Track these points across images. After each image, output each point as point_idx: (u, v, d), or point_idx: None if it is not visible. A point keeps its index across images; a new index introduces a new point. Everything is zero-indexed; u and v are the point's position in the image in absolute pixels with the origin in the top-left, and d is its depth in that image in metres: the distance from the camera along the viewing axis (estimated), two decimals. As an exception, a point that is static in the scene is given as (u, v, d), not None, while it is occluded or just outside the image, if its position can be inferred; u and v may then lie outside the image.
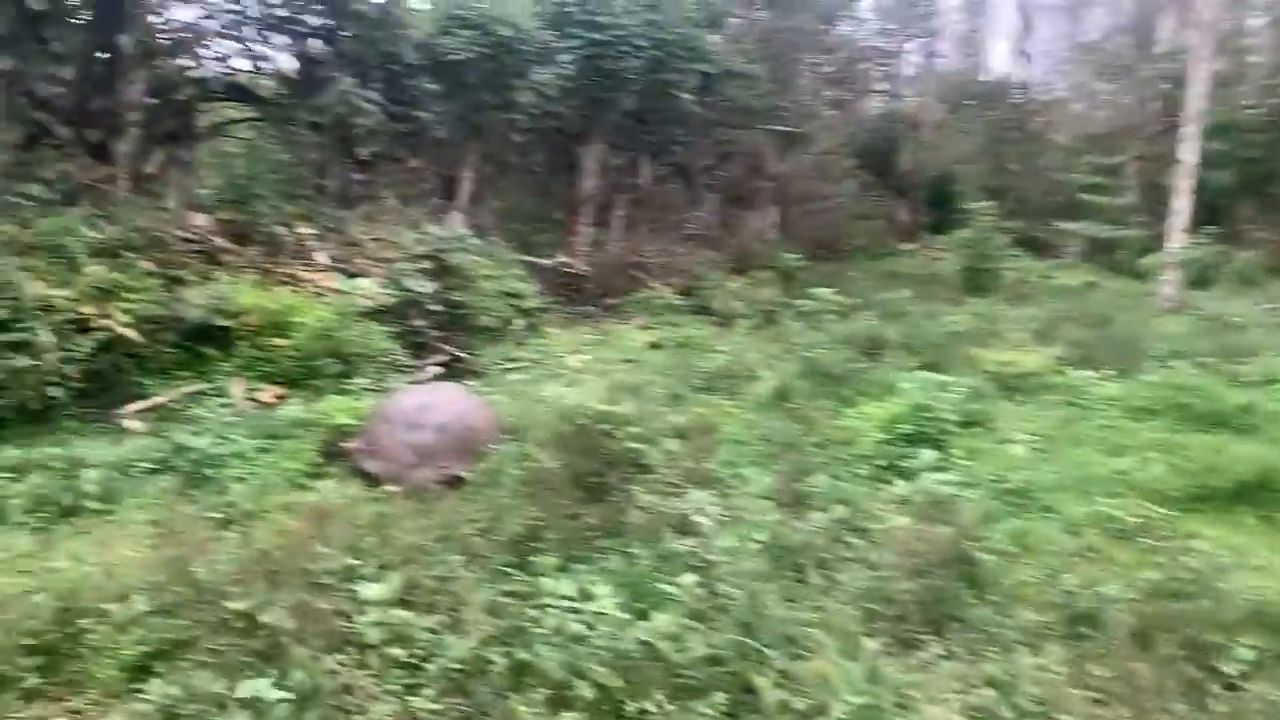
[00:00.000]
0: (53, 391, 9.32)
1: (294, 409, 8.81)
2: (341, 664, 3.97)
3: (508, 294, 15.82)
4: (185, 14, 14.02)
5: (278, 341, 11.17)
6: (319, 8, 15.31)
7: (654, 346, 15.40)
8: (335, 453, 7.95)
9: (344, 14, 14.76)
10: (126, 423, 9.59)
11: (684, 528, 5.73)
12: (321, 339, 11.04)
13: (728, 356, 11.92)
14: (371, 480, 7.47)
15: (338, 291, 11.74)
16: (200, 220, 12.69)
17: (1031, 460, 7.74)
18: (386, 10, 14.48)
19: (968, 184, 37.32)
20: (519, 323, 15.51)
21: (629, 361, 14.39)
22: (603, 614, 4.22)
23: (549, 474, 6.55)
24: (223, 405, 9.67)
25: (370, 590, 4.26)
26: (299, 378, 11.03)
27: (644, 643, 4.01)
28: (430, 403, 7.72)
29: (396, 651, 4.03)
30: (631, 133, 23.22)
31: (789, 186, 31.76)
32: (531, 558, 5.12)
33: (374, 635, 4.07)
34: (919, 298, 18.40)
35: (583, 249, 22.30)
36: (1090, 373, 10.92)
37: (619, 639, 4.03)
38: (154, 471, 7.80)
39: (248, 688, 3.70)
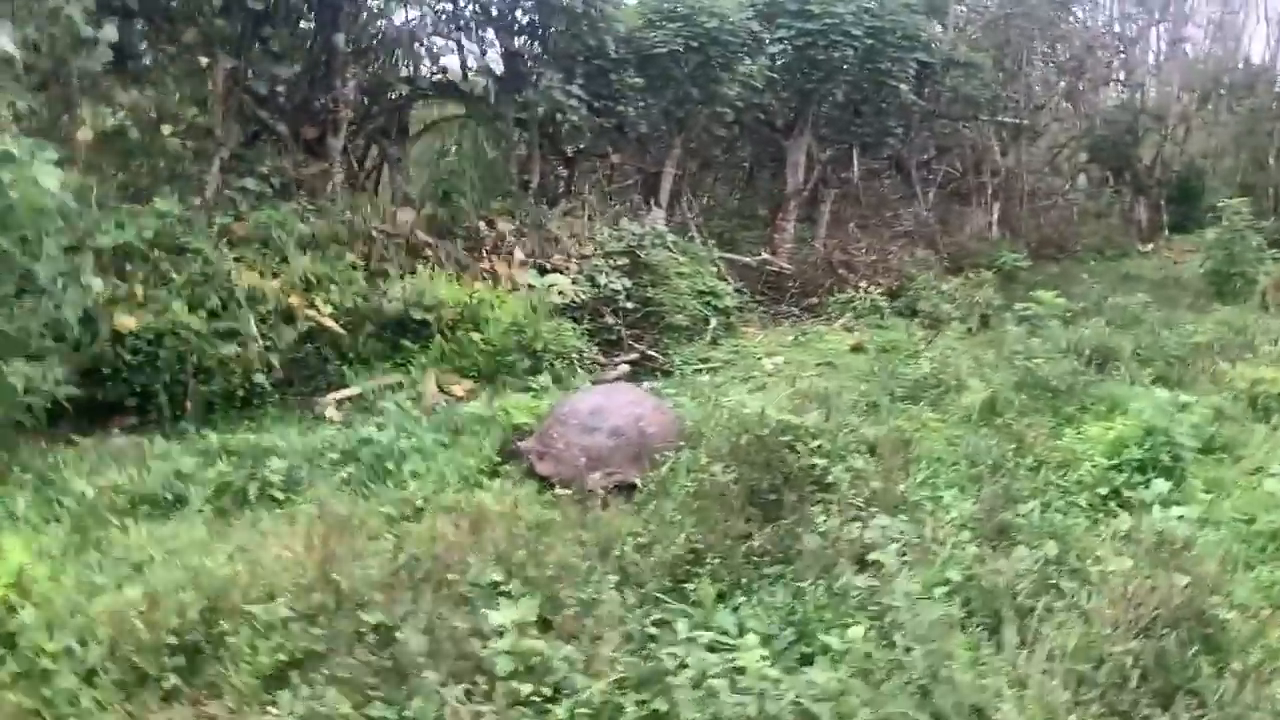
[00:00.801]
0: (257, 379, 9.66)
1: (478, 405, 8.72)
2: (468, 694, 3.66)
3: (704, 292, 15.44)
4: (399, 13, 14.33)
5: (473, 335, 11.23)
6: (527, 4, 15.39)
7: (856, 350, 14.59)
8: (513, 452, 7.78)
9: (550, 9, 14.75)
10: (326, 411, 9.83)
11: (865, 560, 5.12)
12: (513, 334, 11.00)
13: (934, 363, 11.02)
14: (544, 482, 7.25)
15: (531, 287, 11.67)
16: (406, 215, 12.94)
17: (1290, 498, 6.60)
18: (591, 3, 14.33)
19: (1218, 180, 34.03)
20: (714, 321, 15.10)
21: (827, 365, 13.69)
22: (757, 661, 3.71)
23: (721, 488, 6.08)
24: (410, 398, 9.75)
25: (503, 614, 3.94)
26: (491, 372, 11.05)
27: (798, 703, 3.48)
28: (605, 405, 7.42)
29: (524, 687, 3.68)
30: (842, 125, 22.32)
31: (1014, 182, 29.83)
32: (689, 584, 4.68)
33: (503, 665, 3.74)
34: (1157, 304, 16.68)
35: (787, 246, 21.59)
36: (1367, 396, 9.40)
37: (771, 695, 3.53)
38: (340, 462, 7.87)
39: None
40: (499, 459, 7.75)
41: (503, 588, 4.47)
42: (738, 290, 19.43)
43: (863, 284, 19.89)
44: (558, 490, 7.04)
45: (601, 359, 12.37)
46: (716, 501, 5.99)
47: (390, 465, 7.60)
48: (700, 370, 13.22)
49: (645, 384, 11.86)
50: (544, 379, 10.61)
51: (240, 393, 9.72)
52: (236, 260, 10.44)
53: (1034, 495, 6.61)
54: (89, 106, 10.04)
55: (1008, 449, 7.46)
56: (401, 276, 11.41)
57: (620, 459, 7.13)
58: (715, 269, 18.00)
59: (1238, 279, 18.16)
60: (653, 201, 17.88)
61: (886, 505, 6.04)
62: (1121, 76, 36.22)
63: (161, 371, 9.19)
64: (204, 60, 10.69)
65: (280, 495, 7.11)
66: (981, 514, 6.01)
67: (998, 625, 4.47)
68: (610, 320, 12.98)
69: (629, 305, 13.28)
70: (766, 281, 20.64)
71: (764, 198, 23.97)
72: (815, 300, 19.45)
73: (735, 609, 4.45)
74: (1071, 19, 31.78)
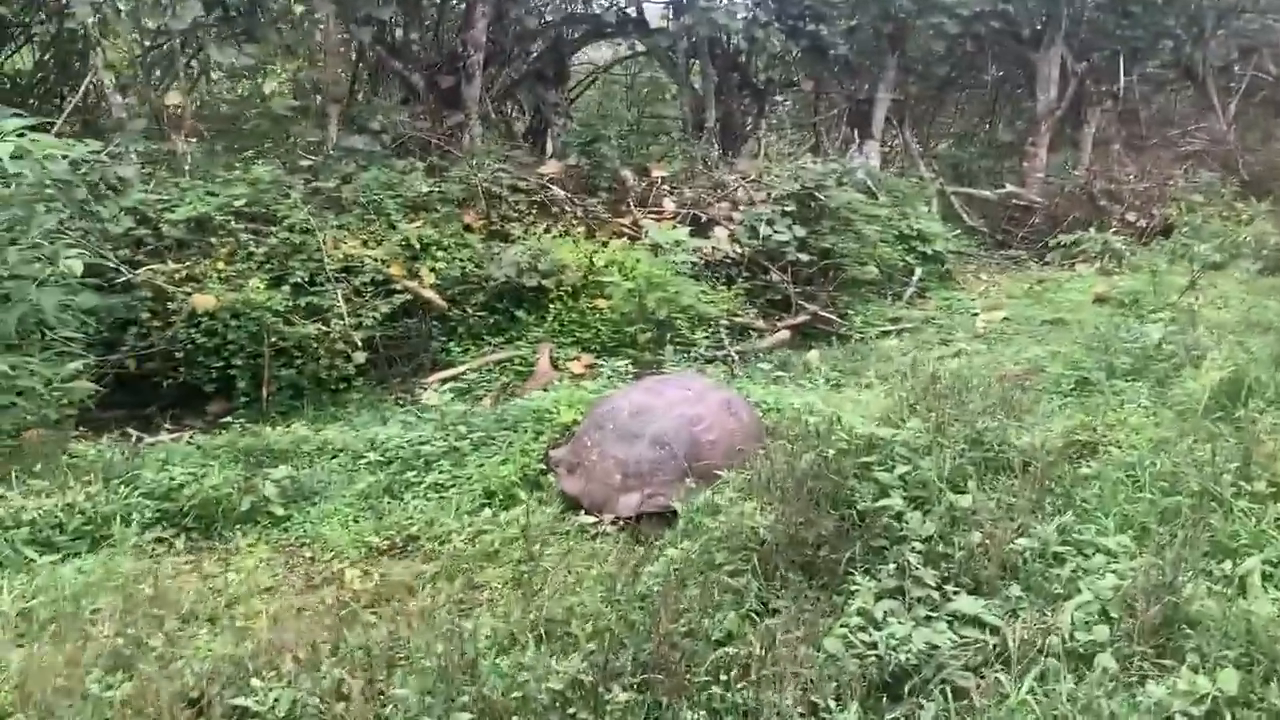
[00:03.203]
0: (342, 361, 8.72)
1: (538, 394, 7.29)
2: None
3: (907, 236, 13.15)
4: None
5: (598, 303, 9.82)
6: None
7: (1100, 301, 11.89)
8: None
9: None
10: (425, 395, 8.75)
11: (898, 687, 3.24)
12: (636, 299, 9.45)
13: (1175, 323, 8.38)
14: (574, 504, 5.72)
15: (657, 245, 10.02)
16: (551, 168, 11.65)
17: None
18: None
19: None
20: (919, 272, 12.83)
21: (1057, 322, 11.17)
22: None
23: (747, 539, 4.32)
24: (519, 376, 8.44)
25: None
26: (614, 345, 9.61)
27: None
28: (652, 404, 5.73)
29: None
30: (1105, 29, 18.73)
31: (1346, 82, 24.52)
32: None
33: None
34: None
35: (1038, 176, 18.54)
36: None
37: None
38: (377, 465, 6.72)
39: None
40: (543, 468, 6.29)
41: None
42: (972, 230, 16.95)
43: (1133, 216, 16.74)
44: (583, 517, 5.51)
45: (759, 324, 10.59)
46: (739, 558, 4.25)
47: (411, 475, 6.32)
48: (889, 332, 11.13)
49: (813, 352, 10.01)
50: (668, 352, 9.03)
51: (332, 375, 8.82)
52: (339, 228, 9.57)
53: (1247, 550, 4.33)
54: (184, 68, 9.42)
55: (1229, 466, 5.10)
56: (525, 238, 10.13)
57: (664, 476, 5.45)
58: (931, 208, 15.58)
59: None
60: (857, 134, 15.60)
61: (989, 574, 4.03)
62: None
63: (236, 355, 8.44)
64: (299, 9, 9.74)
65: (280, 512, 6.03)
66: (1134, 597, 3.85)
67: None
68: (775, 277, 11.11)
69: (802, 258, 11.31)
70: (1011, 219, 17.89)
71: (1011, 121, 20.78)
72: (1069, 238, 16.47)
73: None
74: None
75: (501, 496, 6.00)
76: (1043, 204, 17.76)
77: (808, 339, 10.95)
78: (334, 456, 7.02)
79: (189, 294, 8.39)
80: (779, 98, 16.95)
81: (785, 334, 10.32)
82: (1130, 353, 8.31)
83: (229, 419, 8.13)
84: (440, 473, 6.29)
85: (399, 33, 11.88)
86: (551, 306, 9.75)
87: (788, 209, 11.47)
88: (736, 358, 9.60)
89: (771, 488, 4.54)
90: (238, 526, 5.91)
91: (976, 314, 12.12)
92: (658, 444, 5.52)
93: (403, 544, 5.53)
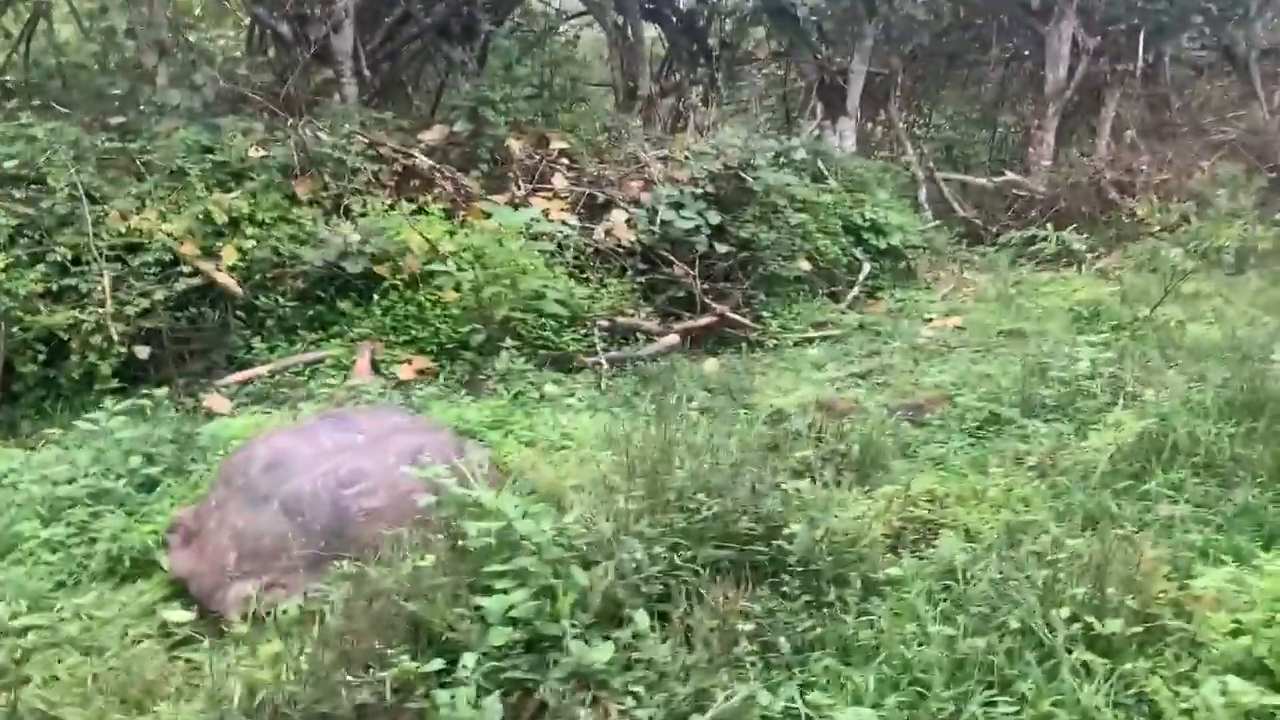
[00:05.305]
0: (96, 358, 7.19)
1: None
2: None
3: (859, 227, 11.36)
4: None
5: (447, 296, 8.20)
6: None
7: (1074, 311, 10.06)
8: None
9: None
10: (211, 401, 7.23)
11: None
12: (478, 293, 7.82)
13: (1113, 348, 6.62)
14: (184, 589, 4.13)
15: (526, 225, 8.36)
16: (433, 134, 10.06)
17: None
18: None
19: None
20: (867, 268, 11.04)
21: (1012, 334, 9.38)
22: None
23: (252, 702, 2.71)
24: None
25: None
26: (456, 347, 8.02)
27: None
28: (295, 454, 4.08)
29: None
30: (1126, 1, 16.68)
31: None
32: None
33: None
34: None
35: (1044, 164, 16.61)
36: None
37: None
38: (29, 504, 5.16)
39: None
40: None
41: None
42: (965, 222, 15.22)
43: (1142, 210, 14.86)
44: (176, 614, 3.92)
45: (649, 325, 8.91)
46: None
47: (29, 526, 4.74)
48: (810, 340, 9.41)
49: (710, 362, 8.37)
50: (503, 358, 7.40)
51: (97, 373, 7.30)
52: (135, 197, 8.05)
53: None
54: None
55: (1075, 591, 3.35)
56: (364, 215, 8.56)
57: (290, 561, 3.83)
58: (920, 196, 13.85)
59: None
60: (820, 110, 13.79)
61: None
62: None
63: (-32, 346, 6.97)
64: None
65: None
66: None
67: None
68: (677, 271, 9.41)
69: (717, 248, 9.60)
70: (1010, 210, 16.06)
71: (1015, 102, 18.75)
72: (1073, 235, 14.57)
73: None
74: None
75: (131, 565, 4.43)
76: (1045, 194, 15.84)
77: (723, 344, 9.28)
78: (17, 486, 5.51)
79: (-82, 273, 6.94)
80: (742, 67, 15.15)
81: (674, 338, 8.63)
82: (1062, 382, 6.56)
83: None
84: (67, 524, 4.71)
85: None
86: (383, 298, 8.18)
87: (703, 190, 9.76)
88: (606, 365, 7.97)
89: (335, 614, 2.91)
90: None
91: (930, 319, 10.35)
92: (290, 510, 3.90)
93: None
